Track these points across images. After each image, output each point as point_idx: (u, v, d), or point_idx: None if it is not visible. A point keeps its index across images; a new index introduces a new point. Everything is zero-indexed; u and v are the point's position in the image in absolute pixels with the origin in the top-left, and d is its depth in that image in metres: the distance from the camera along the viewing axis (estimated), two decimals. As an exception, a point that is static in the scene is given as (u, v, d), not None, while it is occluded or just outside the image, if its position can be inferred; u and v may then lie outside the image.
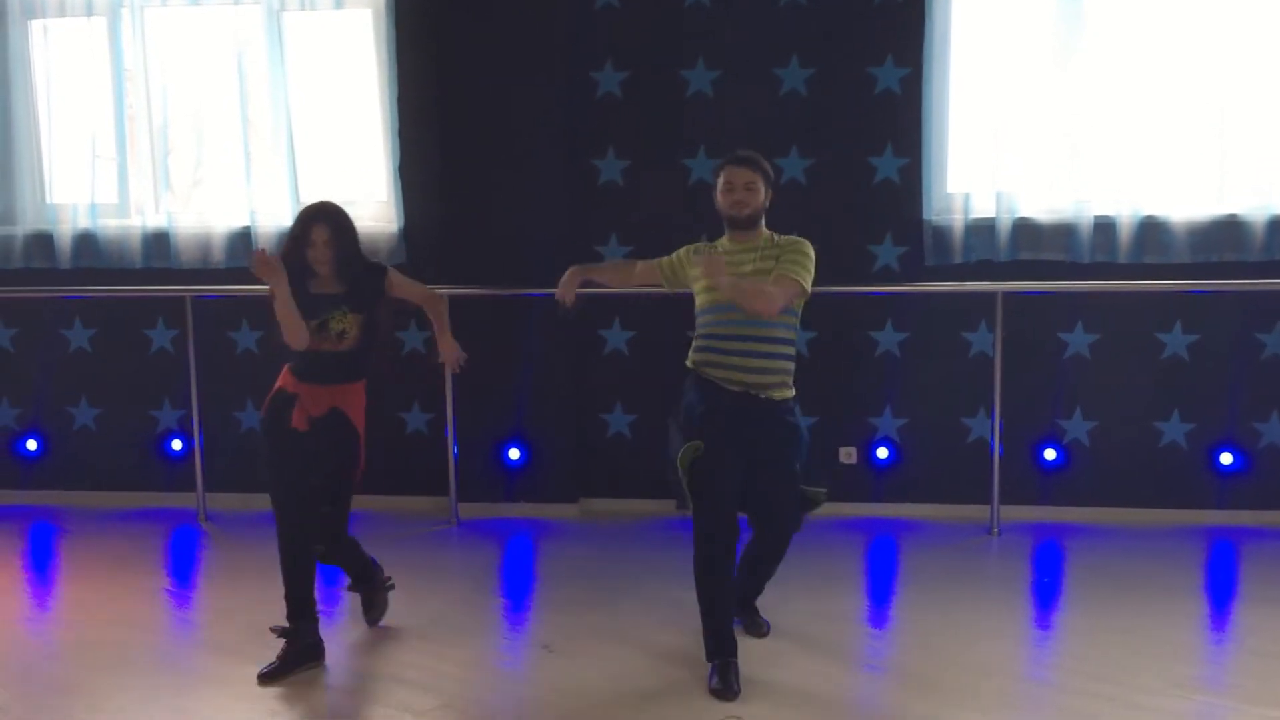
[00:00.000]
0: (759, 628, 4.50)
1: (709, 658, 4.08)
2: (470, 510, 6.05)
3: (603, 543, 5.70)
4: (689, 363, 4.35)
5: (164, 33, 6.18)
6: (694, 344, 4.36)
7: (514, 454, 6.09)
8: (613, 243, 6.03)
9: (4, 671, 4.27)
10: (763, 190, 4.32)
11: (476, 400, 6.04)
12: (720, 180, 4.33)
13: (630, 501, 6.12)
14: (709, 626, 4.10)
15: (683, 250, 4.55)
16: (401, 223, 6.05)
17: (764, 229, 4.41)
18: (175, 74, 6.24)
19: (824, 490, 4.39)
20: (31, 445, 6.46)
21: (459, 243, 5.97)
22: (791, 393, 4.28)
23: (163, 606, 4.97)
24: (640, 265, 4.75)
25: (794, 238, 4.34)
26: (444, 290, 5.83)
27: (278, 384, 4.30)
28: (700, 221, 5.94)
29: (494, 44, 5.87)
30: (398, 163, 6.02)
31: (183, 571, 5.50)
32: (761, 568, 4.47)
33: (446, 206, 6.00)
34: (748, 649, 4.37)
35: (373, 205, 6.16)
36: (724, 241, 4.39)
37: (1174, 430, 5.84)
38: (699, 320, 4.38)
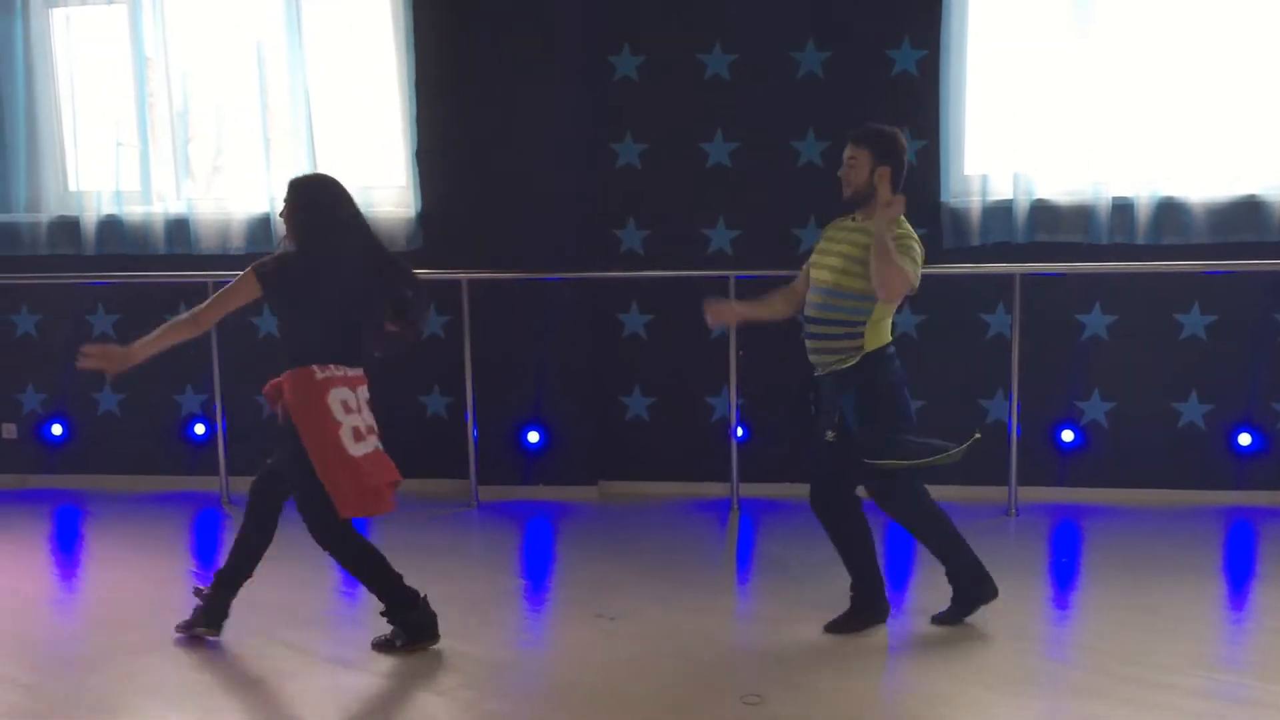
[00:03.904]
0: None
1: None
2: (490, 493, 6.10)
3: (621, 525, 5.74)
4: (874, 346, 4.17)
5: (183, 20, 6.22)
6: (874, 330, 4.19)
7: (533, 437, 6.13)
8: (630, 226, 6.05)
9: (32, 651, 4.34)
10: (867, 165, 4.08)
11: (496, 384, 6.08)
12: None
13: (649, 484, 6.15)
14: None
15: (826, 231, 4.33)
16: (419, 207, 6.09)
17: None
18: (195, 61, 6.28)
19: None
20: (57, 430, 6.54)
21: (477, 227, 6.00)
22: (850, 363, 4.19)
23: (187, 588, 5.03)
24: (799, 279, 4.42)
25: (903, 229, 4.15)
26: (461, 275, 5.92)
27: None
28: (716, 204, 6.00)
29: (511, 28, 5.88)
30: (415, 148, 6.05)
31: (207, 554, 5.57)
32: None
33: (464, 191, 6.02)
34: (764, 633, 4.41)
35: (391, 190, 6.20)
36: (853, 214, 4.23)
37: (1192, 411, 5.83)
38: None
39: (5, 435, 6.56)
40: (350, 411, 4.07)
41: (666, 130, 5.99)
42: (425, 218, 6.09)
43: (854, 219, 4.24)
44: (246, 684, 4.05)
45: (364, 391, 4.17)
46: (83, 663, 4.25)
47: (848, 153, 4.17)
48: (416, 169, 6.07)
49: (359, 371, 4.17)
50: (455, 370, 6.06)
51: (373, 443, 4.13)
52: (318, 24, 6.14)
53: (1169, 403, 5.85)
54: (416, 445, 6.25)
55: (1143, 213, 5.67)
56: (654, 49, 5.96)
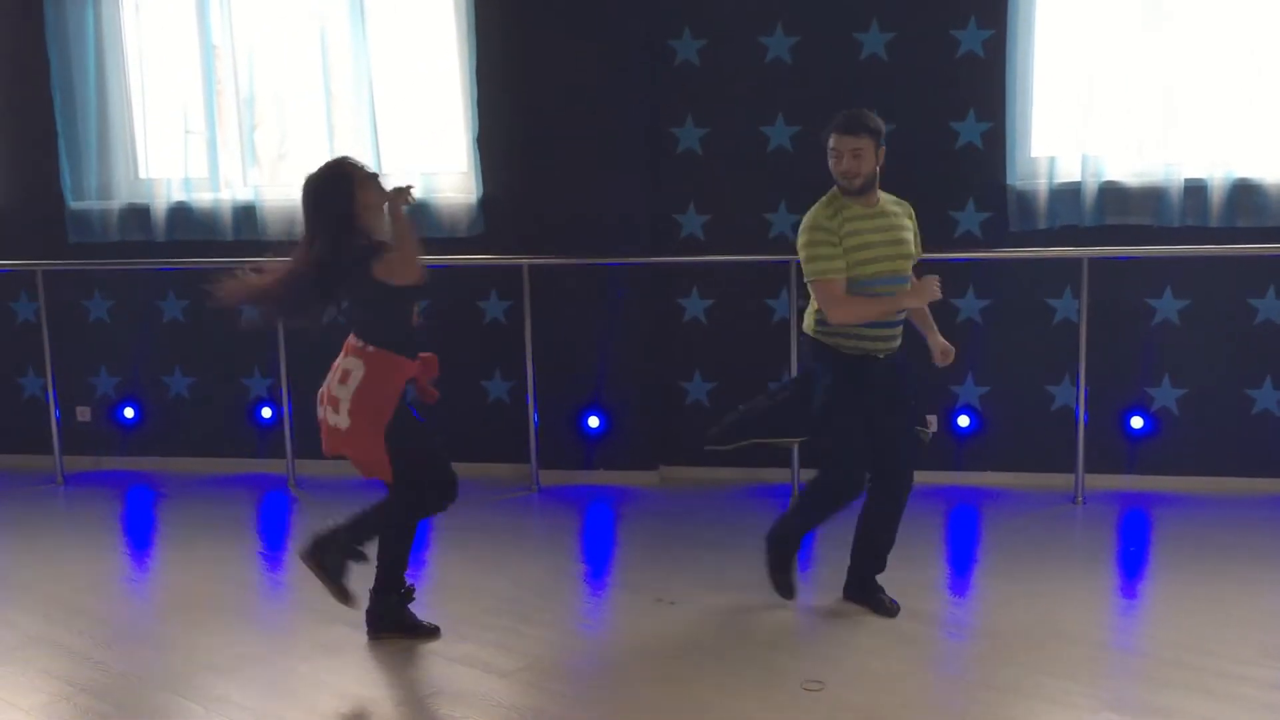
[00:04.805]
0: (885, 606, 4.37)
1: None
2: (551, 477, 6.13)
3: (682, 510, 5.73)
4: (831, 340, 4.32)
5: (249, 7, 6.29)
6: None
7: (594, 422, 6.15)
8: (690, 211, 6.04)
9: (104, 628, 4.44)
10: (872, 154, 4.21)
11: (557, 369, 6.10)
12: (829, 147, 4.23)
13: (709, 469, 6.12)
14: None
15: (828, 222, 4.23)
16: (480, 193, 6.11)
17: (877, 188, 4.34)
18: (260, 48, 6.35)
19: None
20: (129, 413, 6.68)
21: (538, 212, 6.02)
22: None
23: (256, 568, 5.12)
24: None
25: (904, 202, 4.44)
26: (522, 260, 5.95)
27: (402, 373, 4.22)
28: (778, 189, 5.96)
29: (571, 12, 5.88)
30: (476, 133, 6.07)
31: (274, 535, 5.66)
32: (879, 537, 4.44)
33: (525, 177, 6.04)
34: (826, 618, 4.39)
35: (453, 176, 6.24)
36: (847, 203, 4.27)
37: (1266, 398, 5.70)
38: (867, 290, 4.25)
39: (79, 418, 6.70)
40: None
41: (727, 114, 5.96)
42: (486, 203, 6.12)
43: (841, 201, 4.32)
44: (311, 663, 4.11)
45: (344, 358, 4.36)
46: (153, 640, 4.34)
47: (850, 145, 4.20)
48: (478, 155, 6.09)
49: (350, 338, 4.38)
50: (516, 355, 6.09)
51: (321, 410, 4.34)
52: (381, 11, 6.18)
53: (1242, 389, 5.72)
54: (478, 430, 6.32)
55: (1216, 194, 5.54)
56: (715, 32, 5.93)
